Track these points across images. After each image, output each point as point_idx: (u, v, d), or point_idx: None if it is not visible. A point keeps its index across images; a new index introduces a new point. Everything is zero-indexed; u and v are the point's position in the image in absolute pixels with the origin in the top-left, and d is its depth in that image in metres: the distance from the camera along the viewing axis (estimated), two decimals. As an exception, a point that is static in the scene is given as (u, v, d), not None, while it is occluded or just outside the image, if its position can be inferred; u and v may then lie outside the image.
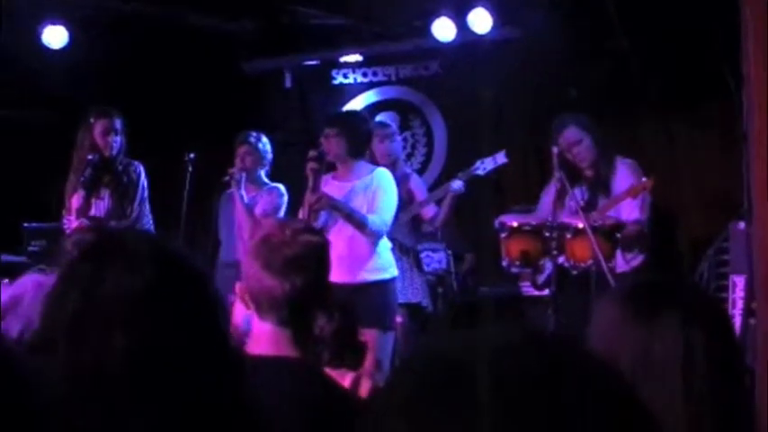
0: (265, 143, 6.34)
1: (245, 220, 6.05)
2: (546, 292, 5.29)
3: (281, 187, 6.29)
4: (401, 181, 5.87)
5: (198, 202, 6.45)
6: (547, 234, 5.16)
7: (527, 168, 7.45)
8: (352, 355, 3.14)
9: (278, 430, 2.00)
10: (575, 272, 5.17)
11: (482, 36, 7.34)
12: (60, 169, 6.21)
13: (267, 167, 6.36)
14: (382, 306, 5.26)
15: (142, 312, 1.44)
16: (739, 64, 3.30)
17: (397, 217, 5.51)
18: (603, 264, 4.86)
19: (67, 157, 6.17)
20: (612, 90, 6.85)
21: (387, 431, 0.78)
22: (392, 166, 5.85)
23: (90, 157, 6.03)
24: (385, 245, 5.41)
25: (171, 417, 1.41)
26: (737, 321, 5.38)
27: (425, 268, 6.36)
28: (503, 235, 5.35)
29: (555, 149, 5.30)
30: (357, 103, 8.44)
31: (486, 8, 7.18)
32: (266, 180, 6.34)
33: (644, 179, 5.34)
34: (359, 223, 5.24)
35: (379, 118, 7.80)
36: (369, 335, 4.51)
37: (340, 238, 5.12)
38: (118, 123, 6.13)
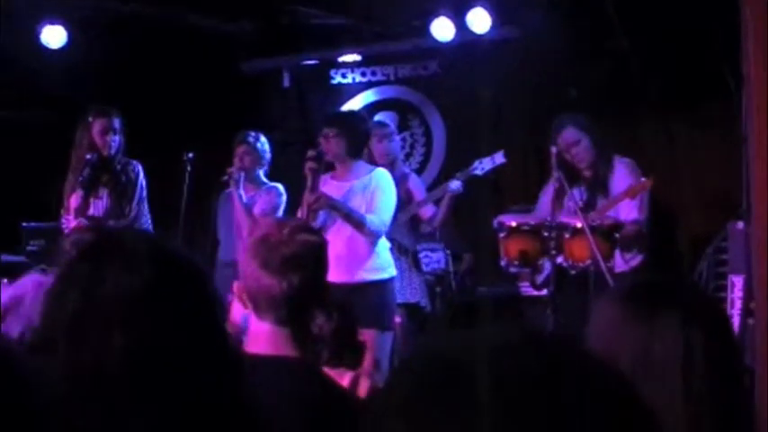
0: (264, 143, 6.34)
1: (243, 219, 6.04)
2: (544, 291, 5.29)
3: (280, 187, 6.29)
4: (400, 181, 5.87)
5: (197, 202, 6.45)
6: (545, 234, 5.15)
7: (526, 168, 7.44)
8: (350, 354, 3.13)
9: (277, 429, 2.00)
10: (573, 272, 5.16)
11: (481, 36, 7.33)
12: (59, 169, 6.20)
13: (266, 167, 6.36)
14: (381, 306, 5.26)
15: (141, 312, 1.44)
16: (739, 64, 3.31)
17: (395, 217, 5.51)
18: (602, 264, 4.86)
19: (66, 157, 6.16)
20: (612, 90, 6.84)
21: (386, 431, 0.78)
22: (390, 166, 5.85)
23: (88, 156, 6.01)
24: (383, 245, 5.41)
25: (170, 416, 1.42)
26: (736, 321, 5.38)
27: (424, 268, 6.36)
28: (501, 235, 5.34)
29: (553, 149, 5.30)
30: (356, 103, 8.43)
31: (486, 8, 7.17)
32: (265, 180, 6.35)
33: (643, 179, 5.34)
34: (357, 223, 5.24)
35: (377, 118, 7.80)
36: (367, 334, 4.51)
37: (338, 238, 5.12)
38: (116, 123, 6.11)
